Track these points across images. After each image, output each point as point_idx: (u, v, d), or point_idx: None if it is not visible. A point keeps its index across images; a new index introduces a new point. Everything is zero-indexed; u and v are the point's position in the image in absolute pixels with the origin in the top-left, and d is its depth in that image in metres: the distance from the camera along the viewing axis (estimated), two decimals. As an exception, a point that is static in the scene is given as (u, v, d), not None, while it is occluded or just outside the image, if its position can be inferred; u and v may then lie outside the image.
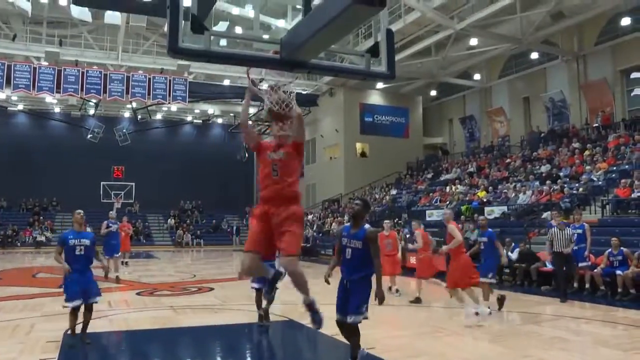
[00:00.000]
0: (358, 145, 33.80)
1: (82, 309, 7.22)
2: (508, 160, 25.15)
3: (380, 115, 34.42)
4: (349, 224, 5.94)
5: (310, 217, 32.13)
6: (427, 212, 23.34)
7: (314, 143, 36.64)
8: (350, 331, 5.77)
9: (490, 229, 10.65)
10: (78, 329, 7.31)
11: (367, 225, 5.73)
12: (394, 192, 30.08)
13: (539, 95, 26.97)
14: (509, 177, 22.68)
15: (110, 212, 16.00)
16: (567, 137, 23.43)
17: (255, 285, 8.27)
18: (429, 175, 30.10)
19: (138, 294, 12.33)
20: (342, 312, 5.71)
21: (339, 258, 5.90)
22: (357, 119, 33.69)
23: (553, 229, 11.49)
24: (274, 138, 5.06)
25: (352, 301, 5.65)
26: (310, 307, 4.83)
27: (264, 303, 8.32)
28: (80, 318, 7.29)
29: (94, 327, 8.48)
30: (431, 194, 26.02)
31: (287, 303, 10.03)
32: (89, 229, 8.10)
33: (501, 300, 9.88)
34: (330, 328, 5.67)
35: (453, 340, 7.62)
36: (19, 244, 33.49)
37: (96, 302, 7.31)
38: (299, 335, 8.58)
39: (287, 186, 4.85)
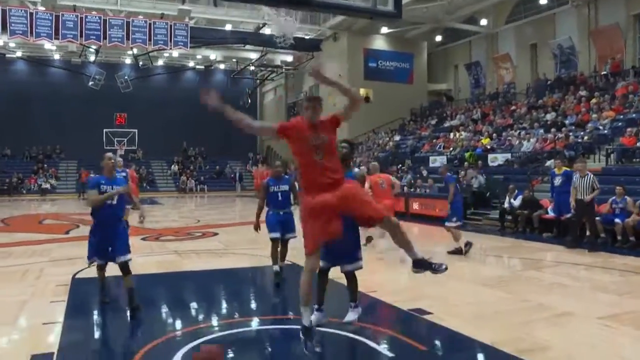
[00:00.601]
0: (362, 91, 33.39)
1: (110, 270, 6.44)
2: (513, 108, 24.92)
3: (385, 61, 33.96)
4: None
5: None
6: (431, 158, 23.33)
7: (317, 88, 36.23)
8: (353, 278, 5.70)
9: (449, 174, 10.99)
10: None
11: (355, 169, 5.76)
12: (397, 138, 29.99)
13: (547, 41, 26.46)
14: (513, 124, 22.54)
15: (118, 159, 15.53)
16: (574, 84, 23.12)
17: (273, 235, 7.71)
18: (433, 122, 29.93)
19: (143, 239, 12.49)
20: (340, 260, 5.53)
21: None
22: (361, 64, 33.24)
23: (576, 176, 11.27)
24: (311, 121, 4.70)
25: (351, 247, 5.53)
26: (422, 263, 4.73)
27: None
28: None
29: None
30: (435, 140, 25.95)
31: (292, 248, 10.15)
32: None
33: (468, 246, 10.19)
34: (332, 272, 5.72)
35: (455, 284, 7.73)
36: (24, 191, 33.74)
37: (125, 262, 6.09)
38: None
39: (338, 170, 4.56)
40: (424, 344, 5.09)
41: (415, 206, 18.17)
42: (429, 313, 6.07)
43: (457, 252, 10.23)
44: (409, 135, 29.37)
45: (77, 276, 8.13)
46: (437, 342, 5.31)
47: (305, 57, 35.05)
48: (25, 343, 5.28)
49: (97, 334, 5.83)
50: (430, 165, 22.60)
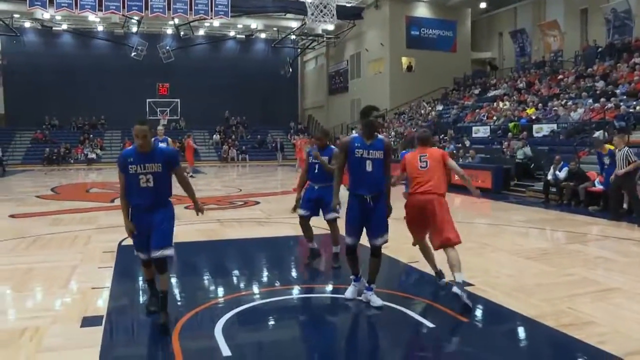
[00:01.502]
0: (404, 60, 32.99)
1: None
2: (560, 77, 24.17)
3: (427, 29, 33.31)
4: (356, 134, 5.47)
5: (354, 132, 32.04)
6: (474, 128, 22.93)
7: (359, 57, 35.94)
8: (379, 254, 5.50)
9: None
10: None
11: (380, 136, 5.44)
12: (440, 107, 29.55)
13: (599, 6, 25.40)
14: (560, 94, 21.88)
15: (159, 127, 15.14)
16: (628, 51, 22.16)
17: (300, 212, 7.23)
18: (476, 91, 29.32)
19: (186, 207, 12.69)
20: (371, 233, 5.41)
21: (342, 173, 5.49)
22: (403, 32, 32.69)
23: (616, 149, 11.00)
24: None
25: (381, 220, 5.47)
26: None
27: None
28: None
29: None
30: (478, 110, 25.46)
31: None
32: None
33: None
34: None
35: (496, 256, 7.66)
36: (72, 160, 34.68)
37: (162, 257, 4.79)
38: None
39: None
40: (464, 316, 5.07)
41: (457, 176, 17.93)
42: (470, 284, 6.02)
43: None
44: (452, 105, 28.87)
45: (122, 243, 8.36)
46: (478, 314, 5.28)
47: (346, 25, 34.65)
48: (77, 306, 5.48)
49: (142, 300, 5.99)
50: (473, 135, 22.23)
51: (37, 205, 13.97)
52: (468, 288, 5.93)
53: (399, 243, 8.26)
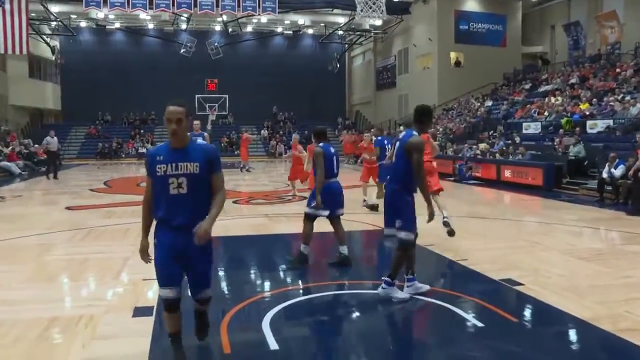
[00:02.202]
0: (452, 55, 32.53)
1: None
2: (618, 70, 23.33)
3: (476, 23, 32.73)
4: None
5: (401, 128, 31.78)
6: (524, 124, 22.42)
7: (407, 53, 35.62)
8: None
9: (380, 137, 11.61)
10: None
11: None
12: (489, 103, 29.01)
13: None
14: (615, 88, 21.14)
15: (195, 121, 14.39)
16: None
17: (325, 213, 6.87)
18: (527, 86, 28.65)
19: (235, 202, 12.86)
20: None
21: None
22: (452, 27, 32.23)
23: None
24: None
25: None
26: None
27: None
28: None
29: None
30: (529, 105, 24.87)
31: (373, 214, 10.16)
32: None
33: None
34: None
35: (547, 255, 7.46)
36: (123, 155, 35.62)
37: (204, 299, 3.95)
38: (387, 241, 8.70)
39: None
40: (514, 316, 4.96)
41: (507, 174, 17.59)
42: (520, 284, 5.90)
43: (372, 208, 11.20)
44: (502, 101, 28.30)
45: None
46: (528, 315, 5.15)
47: (394, 20, 34.39)
48: (129, 296, 5.63)
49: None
50: (524, 131, 21.74)
51: (91, 198, 14.39)
52: (518, 287, 5.80)
53: (447, 240, 8.18)
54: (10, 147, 25.11)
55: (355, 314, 5.30)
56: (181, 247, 3.61)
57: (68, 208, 12.36)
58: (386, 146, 10.65)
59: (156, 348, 4.23)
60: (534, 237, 8.72)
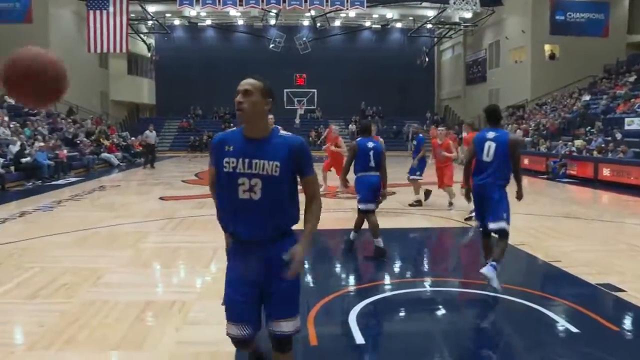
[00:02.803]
0: (547, 47, 31.11)
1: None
2: None
3: (574, 12, 31.04)
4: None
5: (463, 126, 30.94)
6: (627, 119, 21.11)
7: (498, 46, 34.50)
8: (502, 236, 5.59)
9: (420, 135, 12.34)
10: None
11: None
12: (587, 97, 27.56)
13: None
14: None
15: (269, 116, 14.51)
16: None
17: (372, 207, 7.09)
18: (631, 79, 26.91)
19: (321, 195, 12.93)
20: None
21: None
22: (547, 17, 30.73)
23: None
24: None
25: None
26: None
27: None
28: None
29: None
30: (632, 99, 23.39)
31: (463, 209, 9.93)
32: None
33: (427, 194, 11.71)
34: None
35: (651, 260, 7.00)
36: (214, 148, 36.78)
37: (284, 336, 2.89)
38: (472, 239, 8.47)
39: None
40: (613, 324, 4.68)
41: (606, 172, 16.68)
42: (621, 290, 5.56)
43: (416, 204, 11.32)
44: (601, 95, 26.80)
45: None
46: (630, 324, 4.84)
47: (485, 12, 33.41)
48: (218, 285, 5.72)
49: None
50: (626, 127, 20.49)
51: (183, 189, 14.96)
52: (618, 294, 5.47)
53: (538, 240, 7.87)
54: (110, 140, 26.54)
55: (441, 312, 5.20)
56: (256, 270, 2.77)
57: (161, 198, 12.90)
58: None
59: (245, 337, 4.32)
60: (635, 240, 8.21)
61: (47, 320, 4.63)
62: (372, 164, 6.97)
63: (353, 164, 7.12)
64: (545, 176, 18.94)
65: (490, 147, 5.56)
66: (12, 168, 15.85)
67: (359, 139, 7.16)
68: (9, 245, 7.59)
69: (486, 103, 35.16)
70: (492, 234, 5.69)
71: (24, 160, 16.35)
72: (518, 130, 25.79)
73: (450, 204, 11.03)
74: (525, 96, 30.55)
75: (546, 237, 8.08)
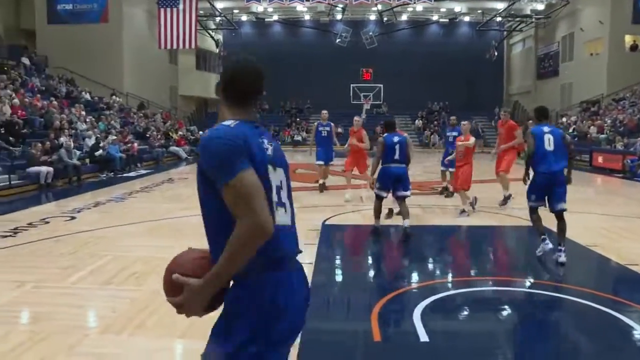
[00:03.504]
0: (627, 38, 29.52)
1: None
2: None
3: (662, -1, 29.22)
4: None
5: (564, 119, 29.81)
6: None
7: (572, 38, 33.14)
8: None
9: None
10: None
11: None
12: (670, 92, 26.11)
13: None
14: None
15: (323, 111, 13.73)
16: None
17: (383, 194, 7.98)
18: None
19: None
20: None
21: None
22: (629, 5, 29.03)
23: None
24: None
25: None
26: None
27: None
28: None
29: (347, 220, 9.19)
30: None
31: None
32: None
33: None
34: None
35: None
36: (280, 142, 37.23)
37: None
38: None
39: None
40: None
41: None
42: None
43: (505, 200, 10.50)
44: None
45: (326, 222, 8.72)
46: None
47: (559, 3, 32.21)
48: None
49: (343, 277, 6.21)
50: None
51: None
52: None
53: (611, 241, 7.53)
54: (179, 134, 27.29)
55: (506, 312, 5.08)
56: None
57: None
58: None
59: (308, 330, 4.32)
60: None
61: (118, 306, 4.81)
62: (397, 156, 7.76)
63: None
64: (621, 175, 18.09)
65: (550, 139, 6.42)
66: (87, 160, 16.54)
67: (385, 135, 7.94)
68: (85, 234, 7.94)
69: (558, 98, 33.91)
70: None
71: (97, 153, 17.05)
72: (592, 127, 24.78)
73: (463, 211, 9.76)
74: (601, 91, 29.23)
75: (619, 238, 7.73)
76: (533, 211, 6.68)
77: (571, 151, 6.67)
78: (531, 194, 6.67)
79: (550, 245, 6.45)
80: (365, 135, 11.22)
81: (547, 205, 6.52)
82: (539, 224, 6.65)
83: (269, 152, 2.00)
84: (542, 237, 6.53)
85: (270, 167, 1.96)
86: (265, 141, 2.01)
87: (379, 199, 7.99)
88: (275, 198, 1.95)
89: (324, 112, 13.42)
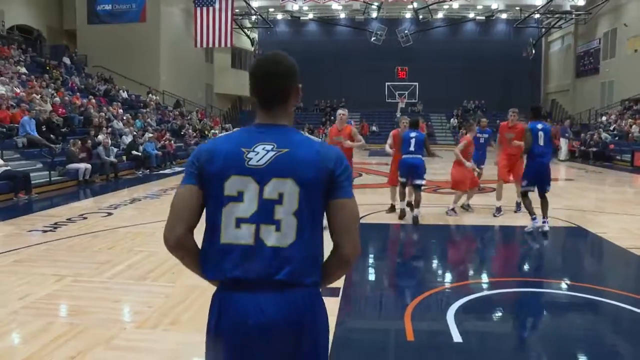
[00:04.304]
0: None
1: None
2: None
3: None
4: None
5: (604, 118, 29.09)
6: None
7: (614, 34, 32.24)
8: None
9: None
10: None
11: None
12: None
13: None
14: None
15: (340, 111, 13.33)
16: None
17: (402, 180, 9.04)
18: None
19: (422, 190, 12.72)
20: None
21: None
22: (676, 0, 28.20)
23: None
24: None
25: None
26: None
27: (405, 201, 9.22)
28: None
29: (386, 219, 9.16)
30: None
31: (571, 208, 9.41)
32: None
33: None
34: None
35: None
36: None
37: None
38: (580, 239, 8.04)
39: None
40: None
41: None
42: None
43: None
44: None
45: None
46: None
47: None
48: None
49: (376, 276, 6.20)
50: None
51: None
52: None
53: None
54: (213, 131, 27.58)
55: (542, 314, 4.99)
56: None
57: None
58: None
59: (341, 328, 4.34)
60: None
61: (154, 301, 4.89)
62: (412, 148, 8.85)
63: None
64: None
65: (541, 136, 7.76)
66: (124, 157, 16.85)
67: (405, 131, 9.21)
68: (123, 229, 8.10)
69: (598, 97, 33.00)
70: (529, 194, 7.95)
71: (134, 151, 17.34)
72: (634, 126, 24.14)
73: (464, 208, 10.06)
74: (622, 94, 28.40)
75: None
76: (525, 195, 7.97)
77: (555, 144, 7.70)
78: (525, 179, 8.01)
79: (539, 222, 7.85)
80: (355, 133, 8.87)
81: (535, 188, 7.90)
82: (530, 206, 7.92)
83: (256, 162, 1.79)
84: (533, 216, 7.88)
85: (236, 178, 1.78)
86: (260, 149, 1.80)
87: (401, 185, 9.14)
88: (240, 213, 1.78)
89: (340, 111, 13.22)
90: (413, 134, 8.94)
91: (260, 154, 1.79)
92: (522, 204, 9.80)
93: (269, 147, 1.81)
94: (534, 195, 7.99)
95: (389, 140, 9.77)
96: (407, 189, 9.12)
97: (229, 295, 1.82)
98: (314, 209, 1.79)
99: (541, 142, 7.73)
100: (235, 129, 1.94)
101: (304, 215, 1.78)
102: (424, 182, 8.92)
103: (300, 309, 1.77)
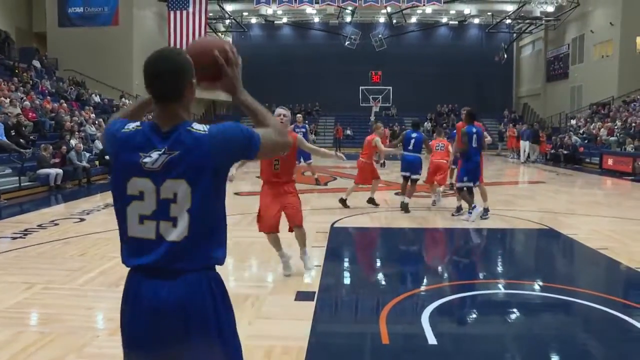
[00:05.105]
0: (638, 40, 29.32)
1: None
2: None
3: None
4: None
5: (573, 122, 29.62)
6: None
7: (582, 40, 32.93)
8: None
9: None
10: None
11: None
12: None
13: None
14: None
15: (298, 115, 14.78)
16: None
17: (406, 174, 10.28)
18: None
19: (396, 194, 12.82)
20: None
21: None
22: (640, 7, 28.84)
23: None
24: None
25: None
26: None
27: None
28: None
29: (355, 222, 9.18)
30: None
31: (543, 210, 9.55)
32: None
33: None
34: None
35: None
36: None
37: None
38: (556, 242, 8.16)
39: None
40: None
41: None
42: None
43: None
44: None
45: (335, 225, 8.72)
46: None
47: (569, 5, 32.04)
48: (292, 280, 5.85)
49: (351, 280, 6.21)
50: None
51: (258, 185, 15.06)
52: None
53: (622, 245, 7.49)
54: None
55: (516, 316, 5.03)
56: None
57: (236, 193, 13.11)
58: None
59: (316, 332, 4.33)
60: None
61: (127, 308, 4.81)
62: (411, 147, 10.15)
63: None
64: (631, 177, 17.96)
65: (474, 138, 8.88)
66: (97, 162, 16.63)
67: (407, 130, 10.61)
68: (95, 235, 7.98)
69: (568, 100, 33.64)
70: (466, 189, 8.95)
71: (107, 157, 17.11)
72: (602, 129, 24.65)
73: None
74: (611, 93, 29.04)
75: (631, 242, 7.67)
76: (462, 189, 8.99)
77: (483, 145, 9.31)
78: (464, 177, 9.03)
79: (480, 209, 9.04)
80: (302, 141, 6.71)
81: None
82: (469, 198, 8.94)
83: (151, 165, 1.92)
84: (473, 205, 8.94)
85: (136, 179, 1.95)
86: (155, 154, 1.93)
87: (404, 178, 10.36)
88: (142, 210, 1.97)
89: (299, 115, 15.02)
90: (414, 135, 10.26)
91: (154, 157, 1.92)
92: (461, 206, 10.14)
93: (161, 151, 1.92)
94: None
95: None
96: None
97: (134, 281, 2.04)
98: (207, 203, 1.95)
99: (475, 144, 8.92)
100: (140, 124, 2.04)
101: (198, 211, 1.93)
102: (418, 177, 10.30)
103: (189, 292, 1.94)
